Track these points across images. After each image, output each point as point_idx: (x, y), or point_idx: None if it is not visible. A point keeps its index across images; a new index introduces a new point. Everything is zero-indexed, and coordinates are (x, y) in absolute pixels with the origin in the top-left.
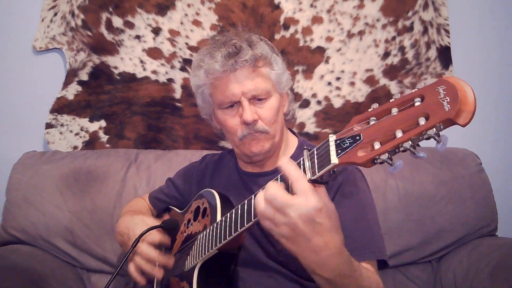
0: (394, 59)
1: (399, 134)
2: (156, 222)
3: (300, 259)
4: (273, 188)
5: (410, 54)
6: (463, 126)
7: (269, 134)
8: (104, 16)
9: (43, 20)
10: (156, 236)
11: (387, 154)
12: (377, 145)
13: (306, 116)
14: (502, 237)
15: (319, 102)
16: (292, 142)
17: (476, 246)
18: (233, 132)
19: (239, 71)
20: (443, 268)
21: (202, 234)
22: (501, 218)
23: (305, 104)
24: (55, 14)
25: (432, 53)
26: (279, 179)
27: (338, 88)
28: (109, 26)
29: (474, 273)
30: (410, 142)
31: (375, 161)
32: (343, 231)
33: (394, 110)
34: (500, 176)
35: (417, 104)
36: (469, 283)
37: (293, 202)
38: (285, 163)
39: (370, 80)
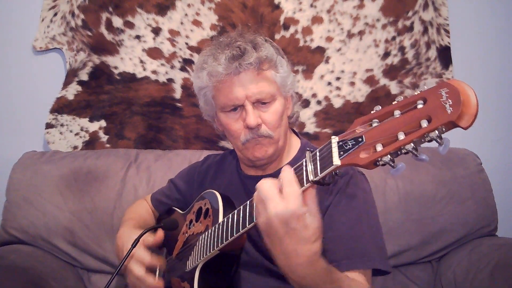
0: (394, 59)
1: (401, 136)
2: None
3: (273, 257)
4: (266, 180)
5: (410, 54)
6: (465, 129)
7: (272, 138)
8: (104, 16)
9: (43, 20)
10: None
11: (389, 156)
12: (379, 147)
13: (306, 116)
14: (502, 237)
15: (319, 102)
16: (295, 144)
17: (476, 246)
18: (236, 136)
19: (243, 74)
20: (443, 268)
21: (204, 235)
22: (501, 218)
23: (305, 104)
24: (55, 14)
25: (432, 53)
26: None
27: (338, 88)
28: (109, 26)
29: (474, 273)
30: (412, 145)
31: (377, 163)
32: (338, 237)
33: (397, 113)
34: (500, 176)
35: (419, 106)
36: (469, 283)
37: (275, 198)
38: (286, 168)
39: (370, 80)
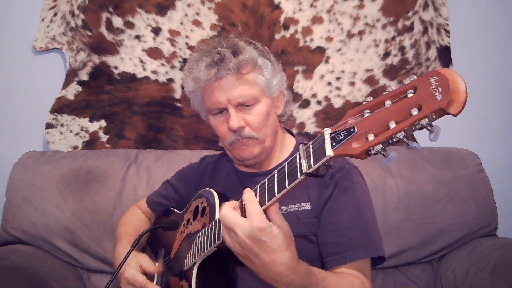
0: (394, 59)
1: (392, 125)
2: None
3: (256, 274)
4: (225, 208)
5: (410, 54)
6: (455, 115)
7: (257, 139)
8: (104, 16)
9: (43, 20)
10: (143, 261)
11: (381, 145)
12: (371, 137)
13: (306, 116)
14: (502, 237)
15: (319, 102)
16: (289, 143)
17: (476, 246)
18: (223, 137)
19: (224, 79)
20: (443, 268)
21: (200, 233)
22: (501, 218)
23: (305, 104)
24: (55, 14)
25: (432, 53)
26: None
27: (338, 88)
28: (109, 26)
29: (474, 273)
30: (403, 133)
31: (369, 152)
32: (339, 229)
33: (388, 102)
34: (500, 176)
35: (410, 95)
36: (469, 283)
37: (239, 222)
38: (247, 190)
39: (370, 80)
